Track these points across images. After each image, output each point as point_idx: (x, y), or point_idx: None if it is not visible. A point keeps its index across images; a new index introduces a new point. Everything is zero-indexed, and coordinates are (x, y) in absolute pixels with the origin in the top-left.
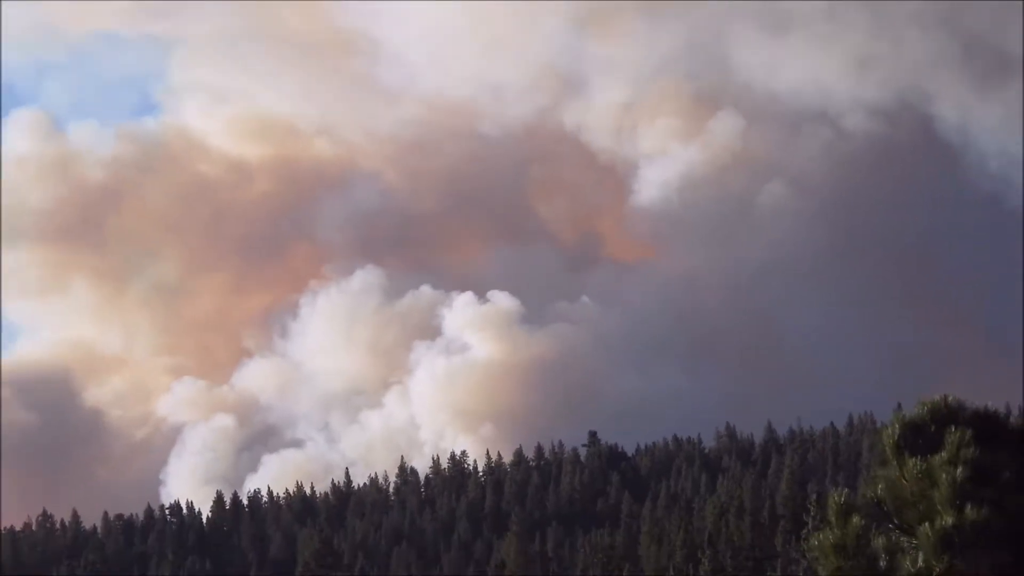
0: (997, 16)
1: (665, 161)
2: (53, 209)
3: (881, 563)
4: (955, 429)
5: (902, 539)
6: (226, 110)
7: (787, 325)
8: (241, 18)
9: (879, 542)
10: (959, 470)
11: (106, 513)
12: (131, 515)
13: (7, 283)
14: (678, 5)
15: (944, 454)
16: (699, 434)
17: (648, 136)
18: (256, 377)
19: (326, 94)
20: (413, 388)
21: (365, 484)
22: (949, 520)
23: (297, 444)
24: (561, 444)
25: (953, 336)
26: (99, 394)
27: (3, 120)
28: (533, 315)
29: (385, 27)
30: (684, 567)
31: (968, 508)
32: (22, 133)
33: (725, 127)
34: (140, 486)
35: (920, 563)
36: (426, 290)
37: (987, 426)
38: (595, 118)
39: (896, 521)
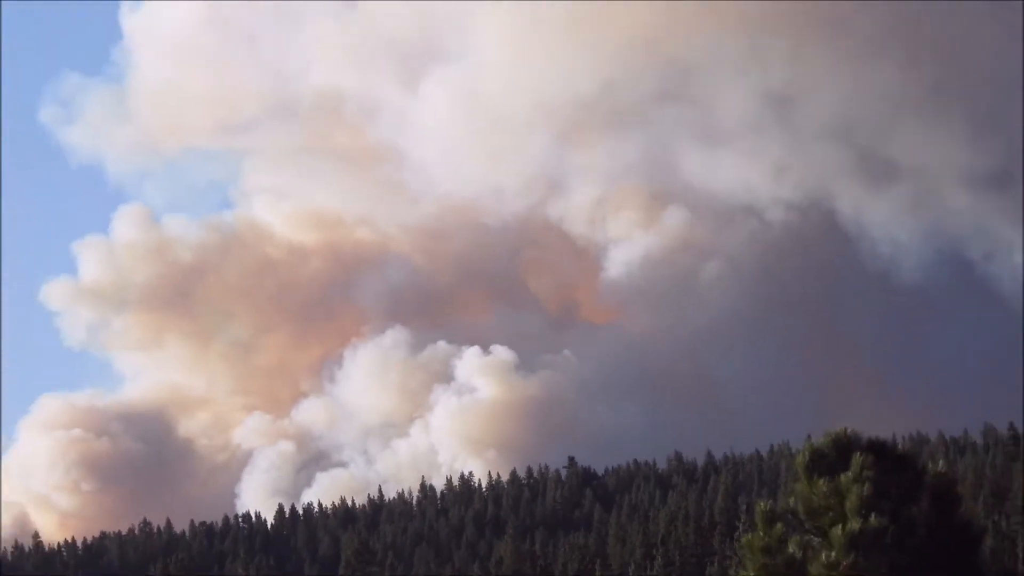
0: (885, 130)
1: (629, 245)
2: (153, 283)
3: (796, 556)
4: (859, 454)
5: (814, 540)
6: (287, 205)
7: (723, 372)
8: (298, 135)
9: (795, 543)
10: (865, 486)
11: (192, 520)
12: (212, 522)
13: (118, 340)
14: (638, 122)
15: (850, 473)
16: (654, 458)
17: (615, 225)
18: (310, 412)
19: (365, 193)
20: (432, 422)
21: (394, 497)
22: (856, 525)
23: (342, 465)
24: (547, 466)
25: (851, 380)
26: (189, 426)
27: (114, 214)
28: (526, 364)
29: (410, 140)
30: (643, 563)
31: (872, 517)
32: (129, 224)
33: (675, 218)
34: (220, 499)
35: (832, 558)
36: (442, 345)
37: (880, 452)
38: (574, 211)
39: (808, 526)
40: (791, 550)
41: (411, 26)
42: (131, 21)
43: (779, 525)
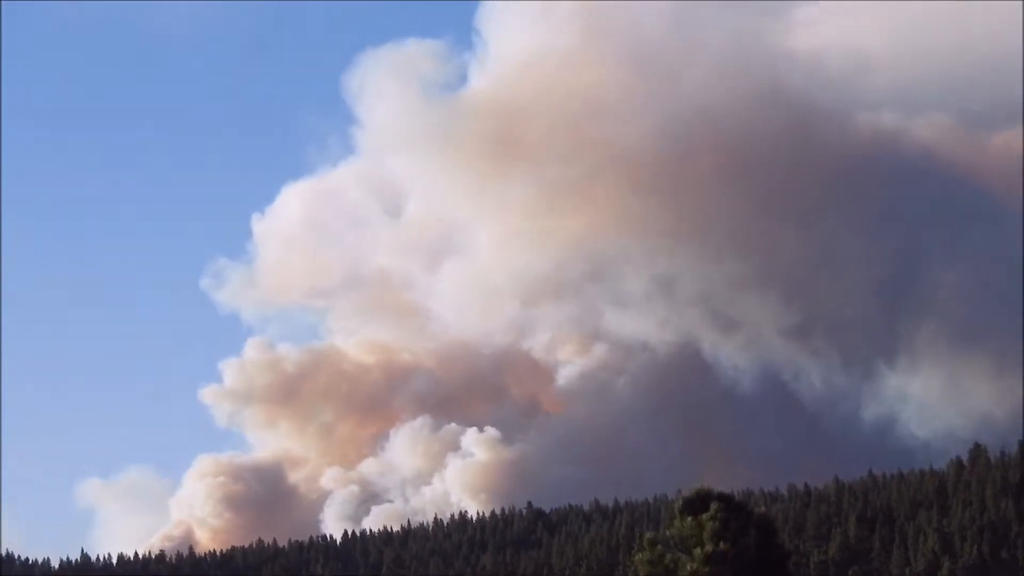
0: (729, 299)
1: (571, 365)
2: (270, 387)
3: (670, 568)
4: (713, 503)
5: (682, 557)
6: (355, 339)
7: (630, 445)
8: (363, 296)
9: (670, 559)
10: (716, 522)
11: (290, 538)
12: (303, 540)
13: (249, 423)
14: (576, 291)
15: (707, 514)
16: (583, 503)
17: (563, 353)
18: (369, 468)
19: (405, 333)
20: (446, 476)
21: (419, 525)
22: (711, 548)
23: (390, 502)
24: (514, 507)
25: (709, 452)
26: (294, 476)
27: (245, 344)
28: (506, 440)
29: (434, 302)
30: (574, 569)
31: (720, 543)
32: (255, 350)
33: (599, 350)
34: (310, 523)
35: (693, 569)
36: (453, 426)
37: (726, 501)
38: (537, 345)
39: (679, 548)
40: (667, 563)
41: (436, 228)
42: (259, 227)
43: (659, 547)
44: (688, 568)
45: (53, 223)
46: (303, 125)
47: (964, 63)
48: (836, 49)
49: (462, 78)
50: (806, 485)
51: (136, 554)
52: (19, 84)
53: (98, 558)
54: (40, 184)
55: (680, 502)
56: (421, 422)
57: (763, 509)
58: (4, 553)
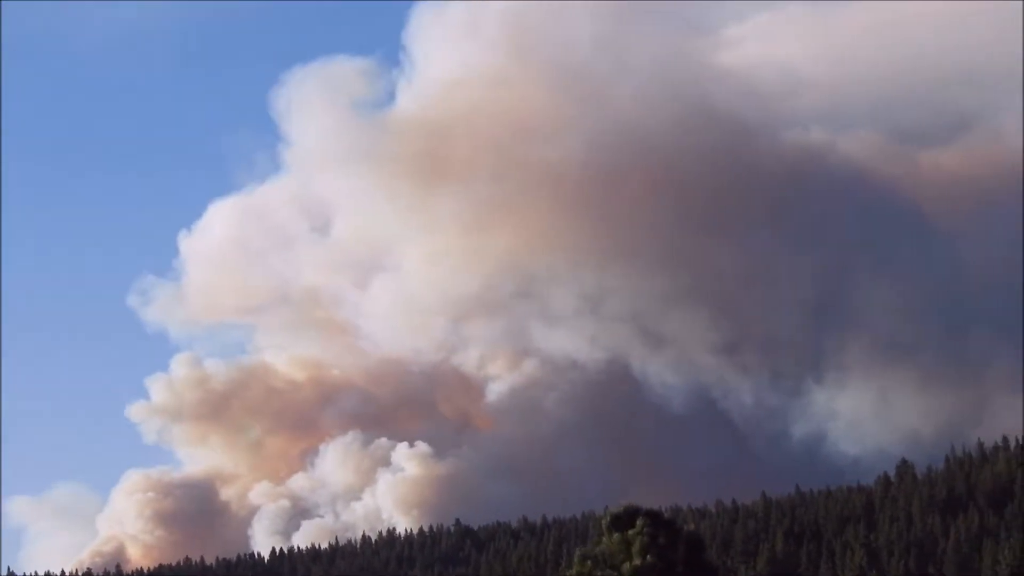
0: (658, 316)
1: (501, 381)
2: (198, 403)
3: None
4: (640, 518)
5: (612, 573)
6: (285, 355)
7: (559, 463)
8: (291, 313)
9: (598, 575)
10: (643, 538)
11: (217, 556)
12: (230, 557)
13: (177, 439)
14: (506, 310)
15: (635, 530)
16: (511, 519)
17: (493, 369)
18: (299, 483)
19: (335, 351)
20: (377, 491)
21: (348, 541)
22: (639, 562)
23: (320, 517)
24: (442, 524)
25: (636, 470)
26: (224, 492)
27: (172, 360)
28: (437, 455)
29: (364, 320)
30: None
31: (647, 557)
32: (182, 366)
33: (529, 367)
34: (240, 538)
35: None
36: (384, 441)
37: (654, 517)
38: (468, 362)
39: (608, 563)
40: None
41: (365, 246)
42: (186, 244)
43: (588, 562)
44: None
45: None
46: (230, 142)
47: (892, 81)
48: (764, 67)
49: (390, 96)
50: (734, 501)
51: (63, 572)
52: None
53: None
54: None
55: (608, 518)
56: (352, 437)
57: (691, 525)
58: None
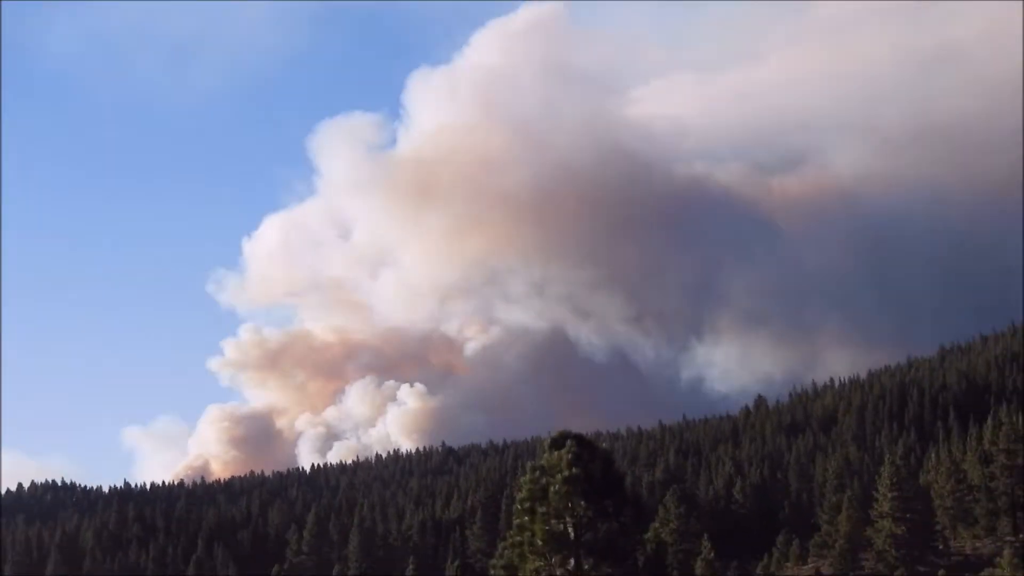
0: (585, 296)
1: (474, 341)
2: (260, 358)
3: (545, 488)
4: (569, 441)
5: (551, 479)
6: (320, 325)
7: (516, 397)
8: (325, 298)
9: (543, 480)
10: (571, 454)
11: (275, 470)
12: (283, 470)
13: (247, 384)
14: (476, 294)
15: (566, 449)
16: (482, 442)
17: (468, 332)
18: (331, 414)
19: (357, 322)
20: (388, 420)
21: (366, 458)
22: (568, 473)
23: (347, 439)
24: (432, 445)
25: (575, 402)
26: (279, 422)
27: (239, 328)
28: (431, 392)
29: (376, 299)
30: (475, 492)
31: (573, 469)
32: (247, 332)
33: (492, 333)
34: (289, 457)
35: (557, 491)
36: (391, 383)
37: (579, 440)
38: (452, 329)
39: (549, 473)
40: (542, 484)
41: (375, 248)
42: (248, 246)
43: (536, 472)
44: (553, 488)
45: (86, 248)
46: (280, 173)
47: (752, 128)
48: (660, 119)
49: (393, 140)
50: (639, 427)
51: (163, 482)
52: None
53: (136, 485)
54: (68, 213)
55: (549, 441)
56: (368, 381)
57: (606, 445)
58: (66, 482)
